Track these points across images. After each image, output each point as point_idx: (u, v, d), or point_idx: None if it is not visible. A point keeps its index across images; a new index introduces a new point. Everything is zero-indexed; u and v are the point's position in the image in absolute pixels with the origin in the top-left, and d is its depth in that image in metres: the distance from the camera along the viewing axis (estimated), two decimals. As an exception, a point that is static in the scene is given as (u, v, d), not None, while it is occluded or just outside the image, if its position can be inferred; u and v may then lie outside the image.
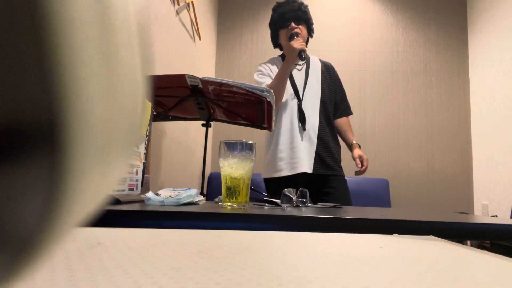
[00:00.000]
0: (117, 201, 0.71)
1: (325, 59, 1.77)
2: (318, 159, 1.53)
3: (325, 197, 1.51)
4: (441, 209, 3.04)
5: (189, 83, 1.29)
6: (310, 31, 1.65)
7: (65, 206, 0.09)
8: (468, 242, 2.38)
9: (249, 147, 0.84)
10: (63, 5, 0.07)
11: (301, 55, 1.48)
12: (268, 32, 3.27)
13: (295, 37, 1.52)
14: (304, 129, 1.54)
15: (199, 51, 2.62)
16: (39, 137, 0.08)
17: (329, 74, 1.68)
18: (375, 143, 3.11)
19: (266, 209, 0.77)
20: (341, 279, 0.21)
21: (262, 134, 3.13)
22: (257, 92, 1.27)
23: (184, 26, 2.22)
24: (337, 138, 1.65)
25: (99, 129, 0.09)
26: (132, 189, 0.83)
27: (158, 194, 0.81)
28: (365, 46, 3.24)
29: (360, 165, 1.57)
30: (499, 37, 2.76)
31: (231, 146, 0.83)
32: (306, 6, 1.63)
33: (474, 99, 3.09)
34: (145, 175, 0.92)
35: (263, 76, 1.64)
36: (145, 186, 0.95)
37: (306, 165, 1.51)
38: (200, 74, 1.43)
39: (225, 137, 3.10)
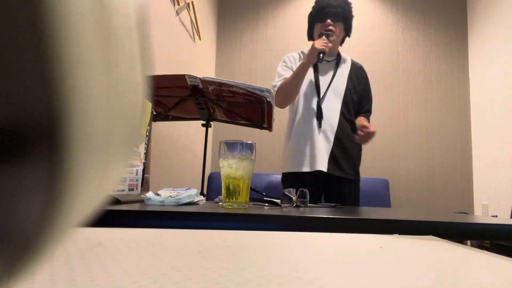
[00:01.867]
0: (117, 201, 0.71)
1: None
2: (333, 159, 1.51)
3: (335, 200, 1.51)
4: (441, 209, 3.04)
5: (189, 83, 1.29)
6: (347, 31, 1.61)
7: (65, 206, 0.09)
8: (468, 242, 2.38)
9: (249, 147, 0.84)
10: (62, 5, 0.07)
11: (319, 56, 1.43)
12: (267, 31, 3.27)
13: (324, 36, 1.48)
14: (320, 126, 1.52)
15: (199, 51, 2.62)
16: (39, 137, 0.08)
17: (357, 76, 1.64)
18: (375, 143, 3.11)
19: (266, 209, 0.77)
20: (341, 279, 0.21)
21: (262, 134, 3.14)
22: (257, 92, 1.27)
23: (184, 26, 2.22)
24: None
25: (99, 129, 0.09)
26: (132, 189, 0.83)
27: (158, 194, 0.81)
28: (365, 46, 3.23)
29: (360, 132, 1.43)
30: (499, 37, 2.77)
31: (231, 146, 0.83)
32: (349, 4, 1.58)
33: (474, 99, 3.10)
34: (145, 175, 0.93)
35: (286, 69, 1.61)
36: (145, 186, 0.95)
37: (321, 163, 1.49)
38: (200, 74, 1.43)
39: (225, 137, 3.10)
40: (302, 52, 1.68)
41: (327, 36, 1.49)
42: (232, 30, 3.29)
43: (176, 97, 1.38)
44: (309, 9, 1.66)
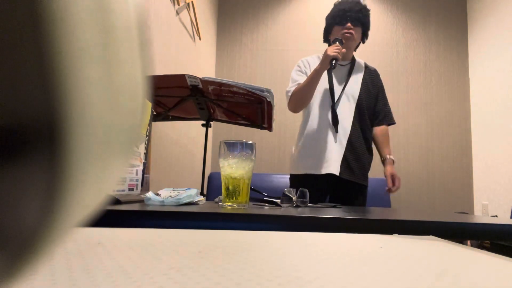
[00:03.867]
0: (117, 201, 0.71)
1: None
2: (345, 163, 1.50)
3: (343, 203, 1.51)
4: (441, 209, 3.04)
5: (189, 83, 1.29)
6: (364, 36, 1.62)
7: (65, 206, 0.09)
8: (468, 242, 2.38)
9: (249, 147, 0.84)
10: (63, 6, 0.07)
11: (332, 63, 1.41)
12: (267, 31, 3.27)
13: (337, 42, 1.47)
14: (336, 131, 1.52)
15: (199, 51, 2.62)
16: (39, 137, 0.08)
17: (371, 80, 1.64)
18: (375, 143, 3.11)
19: (266, 209, 0.77)
20: (341, 279, 0.21)
21: (262, 134, 3.14)
22: (257, 92, 1.27)
23: (184, 26, 2.22)
24: (370, 146, 1.61)
25: (99, 129, 0.09)
26: (132, 189, 0.83)
27: (158, 194, 0.81)
28: (365, 46, 3.23)
29: (391, 184, 1.55)
30: (499, 37, 2.76)
31: (231, 146, 0.83)
32: (368, 10, 1.60)
33: (474, 99, 3.09)
34: (145, 175, 0.92)
35: (300, 74, 1.61)
36: (145, 186, 0.95)
37: (334, 166, 1.49)
38: (200, 74, 1.43)
39: (225, 137, 3.10)
40: (318, 56, 1.66)
41: (341, 42, 1.47)
42: (232, 30, 3.29)
43: (176, 97, 1.38)
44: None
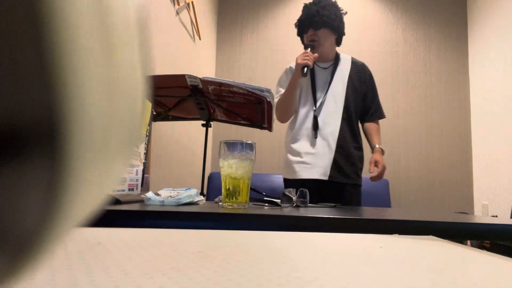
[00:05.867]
0: (117, 201, 0.71)
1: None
2: (336, 166, 1.49)
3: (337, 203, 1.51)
4: (441, 209, 3.04)
5: (189, 83, 1.29)
6: (336, 32, 1.58)
7: (65, 206, 0.09)
8: (468, 242, 2.38)
9: (249, 147, 0.84)
10: (62, 5, 0.07)
11: (303, 71, 1.44)
12: (267, 31, 3.27)
13: (308, 49, 1.49)
14: (316, 136, 1.51)
15: (199, 51, 2.62)
16: (38, 137, 0.08)
17: (358, 76, 1.60)
18: (375, 143, 3.11)
19: (266, 209, 0.77)
20: (341, 279, 0.21)
21: (262, 134, 3.14)
22: (257, 92, 1.27)
23: (184, 26, 2.22)
24: (360, 145, 1.59)
25: (99, 129, 0.09)
26: (132, 189, 0.83)
27: (158, 194, 0.81)
28: (365, 46, 3.23)
29: (372, 169, 1.48)
30: (499, 37, 2.76)
31: (231, 146, 0.83)
32: (329, 7, 1.54)
33: (474, 99, 3.09)
34: (145, 175, 0.92)
35: (283, 85, 1.61)
36: (145, 186, 0.95)
37: (322, 171, 1.48)
38: (200, 74, 1.43)
39: (225, 137, 3.10)
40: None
41: (312, 48, 1.51)
42: (232, 30, 3.29)
43: (176, 97, 1.38)
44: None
